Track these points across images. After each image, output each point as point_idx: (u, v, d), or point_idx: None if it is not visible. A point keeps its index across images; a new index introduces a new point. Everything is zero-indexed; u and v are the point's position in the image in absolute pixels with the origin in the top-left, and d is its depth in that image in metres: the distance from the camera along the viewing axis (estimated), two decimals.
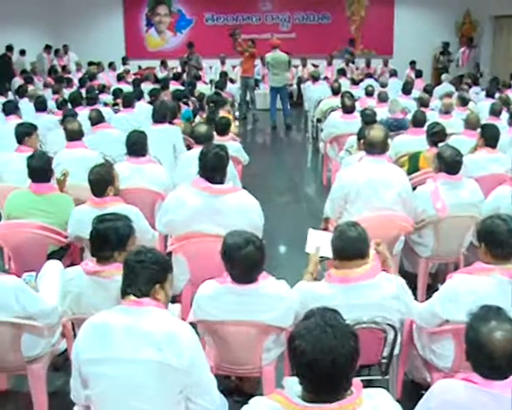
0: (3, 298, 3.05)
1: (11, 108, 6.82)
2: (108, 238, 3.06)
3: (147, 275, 2.51)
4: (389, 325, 3.08)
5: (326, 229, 4.72)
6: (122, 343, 2.40)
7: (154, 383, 2.39)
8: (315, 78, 11.77)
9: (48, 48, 15.33)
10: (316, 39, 16.57)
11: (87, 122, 6.47)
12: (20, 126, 5.73)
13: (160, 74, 14.21)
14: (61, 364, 3.83)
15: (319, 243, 3.74)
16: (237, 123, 9.67)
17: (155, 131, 5.40)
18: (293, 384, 2.11)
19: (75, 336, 3.45)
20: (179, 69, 13.92)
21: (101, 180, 4.09)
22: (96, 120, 6.64)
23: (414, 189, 4.70)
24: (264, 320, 3.02)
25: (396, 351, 3.26)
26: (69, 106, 8.09)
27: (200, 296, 3.13)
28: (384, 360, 3.27)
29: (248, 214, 3.97)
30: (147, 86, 10.35)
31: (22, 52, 14.58)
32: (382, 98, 8.54)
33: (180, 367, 2.37)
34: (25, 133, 5.55)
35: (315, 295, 3.02)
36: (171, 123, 6.66)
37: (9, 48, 13.76)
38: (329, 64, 14.91)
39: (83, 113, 7.25)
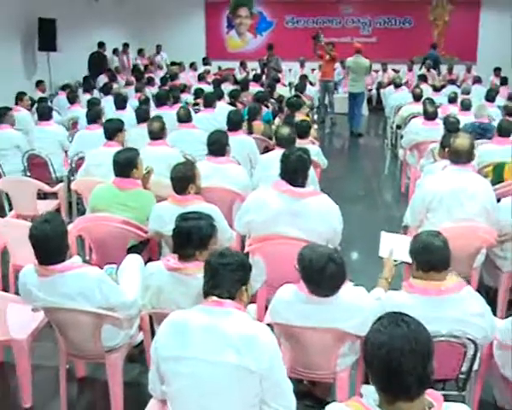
0: (87, 288, 3.14)
1: (94, 116, 7.00)
2: (191, 237, 3.08)
3: (234, 277, 2.53)
4: (469, 339, 2.98)
5: None
6: (201, 343, 2.41)
7: (231, 386, 2.39)
8: (396, 84, 11.60)
9: (125, 46, 15.49)
10: (397, 44, 16.34)
11: (169, 121, 6.59)
12: (110, 122, 5.94)
13: (239, 75, 14.36)
14: (136, 356, 3.93)
15: (393, 246, 3.68)
16: (316, 126, 9.63)
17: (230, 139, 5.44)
18: (371, 393, 2.08)
19: (152, 329, 3.55)
20: (259, 71, 14.02)
21: (183, 177, 4.15)
22: (185, 118, 6.80)
23: (498, 200, 4.55)
24: (342, 328, 2.99)
25: (475, 366, 3.15)
26: (151, 104, 8.29)
27: (278, 300, 3.12)
28: (462, 376, 3.17)
29: (328, 219, 3.94)
30: (227, 87, 10.48)
31: (114, 51, 15.03)
32: (465, 106, 8.28)
33: (258, 371, 2.36)
34: (116, 129, 5.75)
35: (394, 304, 2.95)
36: (250, 124, 6.69)
37: (101, 44, 14.22)
38: (410, 69, 14.65)
39: (167, 112, 7.44)
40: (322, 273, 2.90)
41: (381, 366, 1.89)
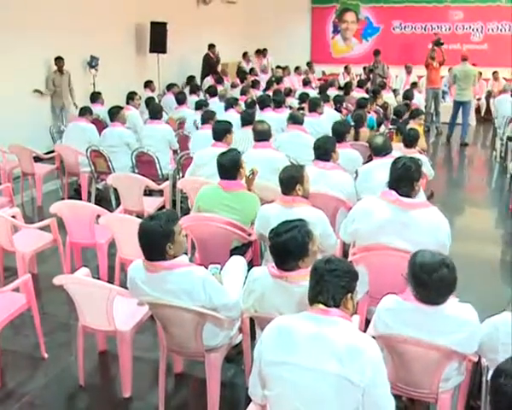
0: (192, 287, 3.19)
1: (207, 118, 7.15)
2: (290, 250, 3.01)
3: (340, 284, 2.47)
4: None
5: None
6: (305, 350, 2.38)
7: (332, 396, 2.34)
8: None
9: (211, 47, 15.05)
10: (510, 51, 15.54)
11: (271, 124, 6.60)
12: (219, 124, 6.04)
13: (343, 80, 14.24)
14: (233, 356, 3.95)
15: None
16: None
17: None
18: None
19: (252, 332, 3.55)
20: (363, 76, 13.84)
21: (291, 177, 4.13)
22: (296, 120, 6.83)
23: None
24: (447, 343, 2.86)
25: None
26: (257, 107, 8.35)
27: (382, 309, 3.05)
28: None
29: (436, 232, 3.79)
30: (332, 92, 10.41)
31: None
32: None
33: (360, 384, 2.30)
34: (226, 130, 5.85)
35: (509, 329, 2.79)
36: (357, 132, 6.59)
37: (211, 46, 14.49)
38: None
39: (270, 115, 7.48)
40: (433, 278, 2.80)
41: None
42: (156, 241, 3.16)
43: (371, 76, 13.34)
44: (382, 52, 13.72)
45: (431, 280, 2.81)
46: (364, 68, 14.34)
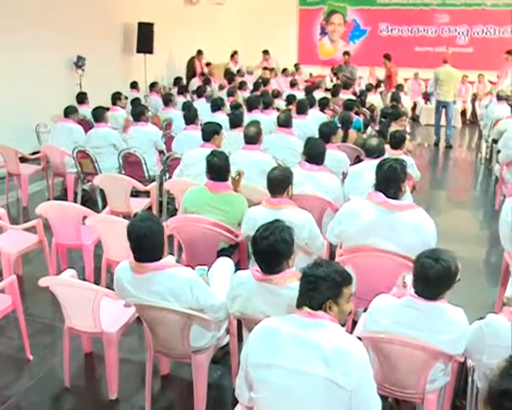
0: (179, 288, 3.17)
1: (191, 118, 7.17)
2: (277, 253, 2.99)
3: (320, 289, 2.43)
4: None
5: None
6: (291, 353, 2.36)
7: (319, 399, 2.32)
8: (500, 97, 10.77)
9: (199, 53, 15.00)
10: (495, 54, 15.66)
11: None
12: (209, 125, 6.03)
13: (329, 82, 14.28)
14: (219, 358, 3.95)
15: None
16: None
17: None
18: None
19: (239, 334, 3.55)
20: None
21: (285, 178, 4.15)
22: (284, 122, 6.82)
23: None
24: (436, 342, 2.87)
25: None
26: (244, 108, 8.35)
27: (376, 307, 3.05)
28: None
29: (422, 234, 3.80)
30: (318, 94, 10.43)
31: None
32: None
33: (346, 387, 2.27)
34: (214, 132, 5.84)
35: (495, 332, 2.81)
36: (346, 134, 6.62)
37: (200, 52, 14.60)
38: None
39: (258, 117, 7.49)
40: (436, 265, 2.86)
41: None
42: (158, 238, 3.17)
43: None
44: (369, 54, 13.77)
45: (433, 269, 2.86)
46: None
